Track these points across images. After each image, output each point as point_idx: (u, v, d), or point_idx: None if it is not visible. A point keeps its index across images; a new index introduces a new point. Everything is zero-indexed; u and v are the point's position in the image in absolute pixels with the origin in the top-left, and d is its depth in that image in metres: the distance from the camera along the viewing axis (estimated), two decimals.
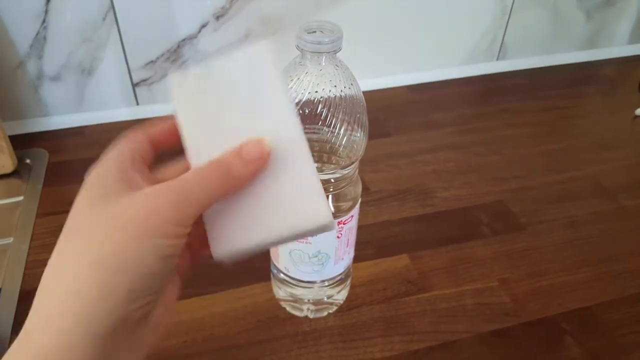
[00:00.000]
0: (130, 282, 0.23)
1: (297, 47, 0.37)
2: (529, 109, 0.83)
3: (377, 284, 0.55)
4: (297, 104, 0.39)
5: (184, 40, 0.75)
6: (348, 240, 0.47)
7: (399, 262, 0.57)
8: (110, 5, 0.69)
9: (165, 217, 0.24)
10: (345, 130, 0.40)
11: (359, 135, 0.41)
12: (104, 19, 0.70)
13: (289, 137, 0.28)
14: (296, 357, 0.48)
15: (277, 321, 0.51)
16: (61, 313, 0.23)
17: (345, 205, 0.44)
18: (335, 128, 0.39)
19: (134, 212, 0.24)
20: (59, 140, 0.74)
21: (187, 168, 0.28)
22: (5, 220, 0.62)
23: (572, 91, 0.89)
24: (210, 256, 0.28)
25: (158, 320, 0.27)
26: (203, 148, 0.28)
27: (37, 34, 0.69)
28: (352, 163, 0.43)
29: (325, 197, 0.27)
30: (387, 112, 0.81)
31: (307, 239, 0.44)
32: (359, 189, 0.46)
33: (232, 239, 0.27)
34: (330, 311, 0.52)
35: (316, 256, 0.45)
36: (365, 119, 0.41)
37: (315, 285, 0.49)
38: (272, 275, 0.52)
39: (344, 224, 0.44)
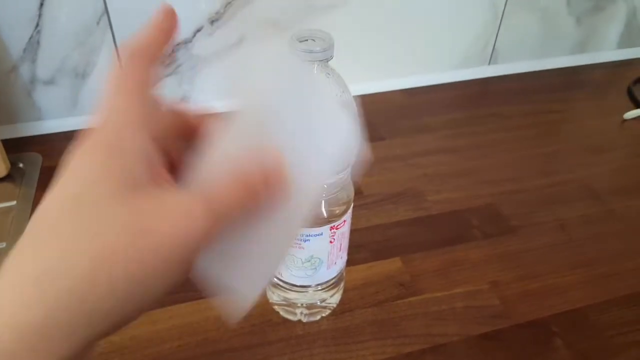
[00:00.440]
0: (140, 303, 0.20)
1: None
2: (520, 112, 0.84)
3: (369, 287, 0.55)
4: None
5: (178, 44, 0.75)
6: (341, 244, 0.47)
7: (392, 265, 0.58)
8: (104, 10, 0.69)
9: (198, 242, 0.21)
10: None
11: None
12: (97, 23, 0.70)
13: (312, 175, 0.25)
14: None
15: (270, 325, 0.51)
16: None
17: (338, 210, 0.45)
18: None
19: (167, 227, 0.20)
20: (52, 144, 0.74)
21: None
22: None
23: (562, 95, 0.90)
24: None
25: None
26: (228, 151, 0.25)
27: (30, 38, 0.69)
28: (346, 168, 0.43)
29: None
30: (381, 116, 0.82)
31: (299, 244, 0.44)
32: (352, 193, 0.46)
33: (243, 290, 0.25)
34: (324, 315, 0.52)
35: (309, 261, 0.46)
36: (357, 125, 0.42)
37: (309, 290, 0.49)
38: None
39: (336, 228, 0.45)
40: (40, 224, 0.21)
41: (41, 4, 0.67)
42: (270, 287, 0.52)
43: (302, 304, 0.51)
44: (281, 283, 0.49)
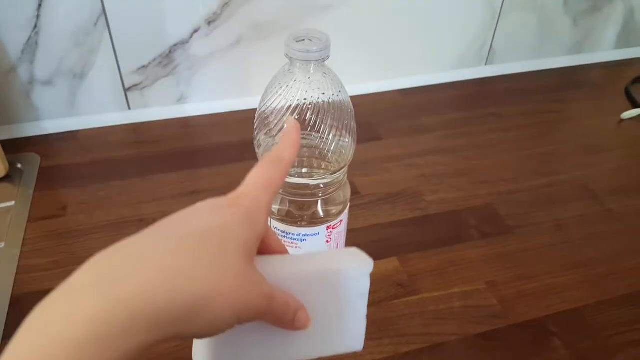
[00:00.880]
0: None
1: (286, 55, 0.38)
2: (517, 113, 0.84)
3: None
4: (286, 110, 0.40)
5: (175, 45, 0.75)
6: (338, 244, 0.47)
7: (389, 265, 0.58)
8: (101, 11, 0.70)
9: (256, 305, 0.27)
10: (334, 136, 0.41)
11: (347, 140, 0.42)
12: (95, 24, 0.70)
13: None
14: None
15: None
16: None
17: (334, 209, 0.45)
18: (324, 134, 0.40)
19: (253, 298, 0.26)
20: (50, 144, 0.74)
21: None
22: None
23: (559, 95, 0.90)
24: None
25: None
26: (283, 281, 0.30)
27: (28, 39, 0.69)
28: (341, 168, 0.43)
29: None
30: (378, 116, 0.82)
31: (296, 244, 0.44)
32: (348, 193, 0.46)
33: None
34: None
35: None
36: (353, 125, 0.42)
37: None
38: None
39: (333, 228, 0.45)
40: (177, 233, 0.26)
41: (39, 5, 0.67)
42: None
43: None
44: None
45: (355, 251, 0.33)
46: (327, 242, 0.45)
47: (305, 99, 0.39)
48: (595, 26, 0.96)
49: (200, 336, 0.27)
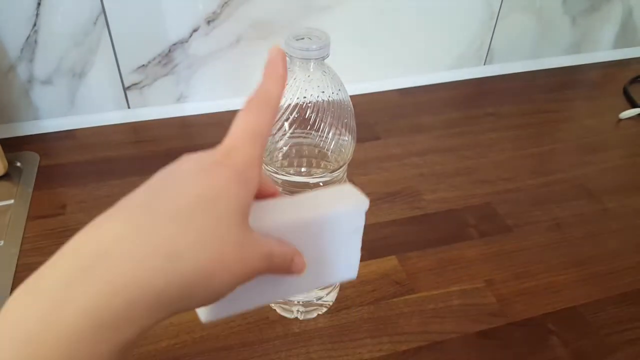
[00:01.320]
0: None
1: (286, 53, 0.38)
2: (516, 112, 0.85)
3: (366, 285, 0.55)
4: (285, 109, 0.40)
5: (175, 44, 0.75)
6: None
7: (388, 263, 0.58)
8: (101, 9, 0.70)
9: (254, 266, 0.26)
10: (334, 134, 0.41)
11: (347, 139, 0.42)
12: (94, 23, 0.71)
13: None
14: (286, 359, 0.48)
15: (267, 323, 0.51)
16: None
17: None
18: (324, 132, 0.40)
19: (248, 249, 0.26)
20: (50, 143, 0.74)
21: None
22: None
23: (558, 95, 0.90)
24: None
25: None
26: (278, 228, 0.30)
27: (27, 38, 0.69)
28: (341, 167, 0.43)
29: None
30: (377, 115, 0.82)
31: None
32: None
33: (225, 307, 0.29)
34: (320, 312, 0.52)
35: None
36: (353, 123, 0.42)
37: None
38: None
39: None
40: (165, 205, 0.24)
41: (38, 4, 0.67)
42: None
43: (298, 302, 0.51)
44: None
45: (349, 189, 0.33)
46: None
47: (304, 98, 0.39)
48: (593, 26, 0.96)
49: (203, 305, 0.27)
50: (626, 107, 0.86)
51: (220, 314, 0.29)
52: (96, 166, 0.70)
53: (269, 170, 0.43)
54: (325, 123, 0.40)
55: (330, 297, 0.53)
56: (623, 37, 1.00)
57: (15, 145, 0.72)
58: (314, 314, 0.52)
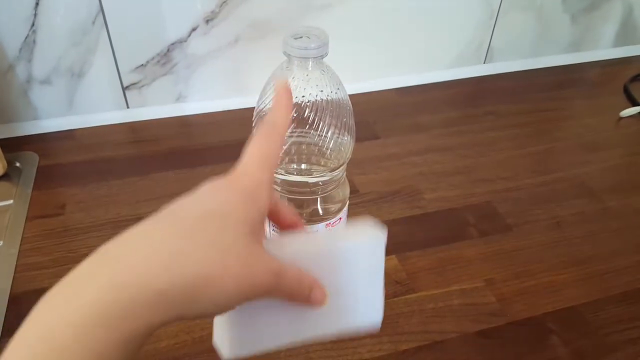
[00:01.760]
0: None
1: (284, 52, 0.38)
2: (515, 111, 0.84)
3: None
4: None
5: (173, 43, 0.75)
6: None
7: (388, 263, 0.57)
8: (99, 9, 0.69)
9: (262, 282, 0.27)
10: (333, 133, 0.41)
11: (346, 138, 0.42)
12: (93, 22, 0.70)
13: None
14: (285, 358, 0.48)
15: None
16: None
17: (333, 207, 0.45)
18: (323, 131, 0.40)
19: (258, 275, 0.26)
20: (49, 143, 0.74)
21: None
22: None
23: (558, 94, 0.90)
24: None
25: None
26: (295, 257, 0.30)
27: (26, 38, 0.69)
28: (340, 166, 0.43)
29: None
30: (376, 114, 0.82)
31: None
32: (347, 191, 0.46)
33: (246, 342, 0.29)
34: None
35: None
36: (352, 122, 0.42)
37: None
38: None
39: (332, 226, 0.45)
40: (177, 217, 0.26)
41: (37, 4, 0.67)
42: None
43: None
44: None
45: (368, 224, 0.33)
46: None
47: (303, 97, 0.39)
48: (593, 24, 0.96)
49: (205, 316, 0.27)
50: (627, 106, 0.85)
51: (242, 349, 0.29)
52: (95, 166, 0.70)
53: None
54: (324, 122, 0.40)
55: None
56: (623, 35, 1.00)
57: (14, 146, 0.72)
58: None
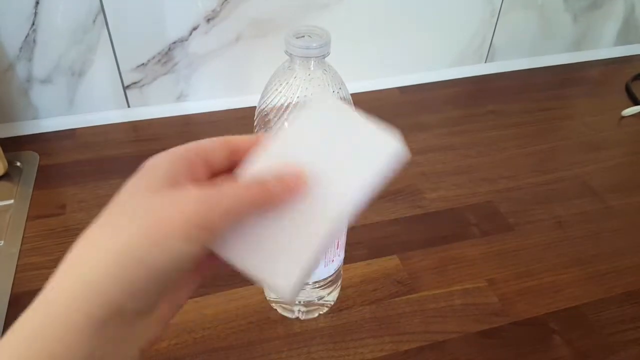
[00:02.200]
0: (135, 277, 0.24)
1: (286, 51, 0.38)
2: (517, 110, 0.84)
3: (367, 284, 0.55)
4: (285, 107, 0.39)
5: (174, 42, 0.75)
6: (338, 242, 0.47)
7: (389, 263, 0.58)
8: (100, 8, 0.69)
9: (189, 218, 0.25)
10: None
11: None
12: (94, 21, 0.70)
13: (339, 205, 0.28)
14: (287, 359, 0.48)
15: (268, 322, 0.51)
16: (64, 297, 0.24)
17: None
18: None
19: (163, 210, 0.25)
20: (49, 142, 0.74)
21: None
22: None
23: (559, 93, 0.90)
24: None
25: (163, 316, 0.27)
26: (264, 165, 0.29)
27: (26, 37, 0.69)
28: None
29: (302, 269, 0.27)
30: (377, 113, 0.80)
31: None
32: None
33: (284, 270, 0.27)
34: (321, 312, 0.52)
35: None
36: None
37: (306, 287, 0.49)
38: None
39: None
40: (116, 206, 0.27)
41: (37, 3, 0.67)
42: None
43: (299, 302, 0.51)
44: None
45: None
46: None
47: (305, 96, 0.39)
48: (595, 23, 0.96)
49: (177, 256, 0.25)
50: (628, 105, 0.85)
51: (289, 280, 0.27)
52: (96, 165, 0.70)
53: None
54: None
55: (332, 297, 0.53)
56: (625, 34, 1.00)
57: (14, 145, 0.72)
58: (316, 314, 0.52)
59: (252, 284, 0.54)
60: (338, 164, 0.29)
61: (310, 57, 0.38)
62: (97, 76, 0.75)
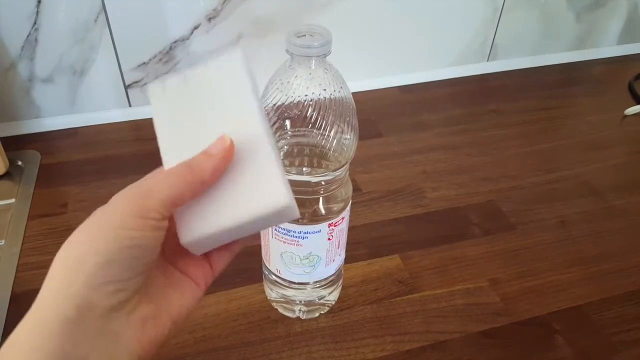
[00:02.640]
0: (93, 267, 0.26)
1: (287, 51, 0.38)
2: (519, 109, 0.84)
3: (368, 284, 0.55)
4: (286, 106, 0.39)
5: (176, 41, 0.75)
6: (339, 242, 0.47)
7: (391, 262, 0.57)
8: (101, 7, 0.69)
9: (123, 209, 0.28)
10: (336, 132, 0.40)
11: (349, 137, 0.41)
12: (95, 20, 0.70)
13: (254, 134, 0.29)
14: (288, 358, 0.48)
15: (269, 322, 0.51)
16: (42, 297, 0.26)
17: (336, 207, 0.45)
18: (326, 131, 0.40)
19: (107, 208, 0.29)
20: (51, 141, 0.74)
21: None
22: None
23: (562, 91, 0.90)
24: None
25: (143, 316, 0.28)
26: (175, 152, 0.30)
27: (28, 36, 0.69)
28: (343, 165, 0.43)
29: (286, 182, 0.28)
30: (379, 113, 0.81)
31: (298, 242, 0.44)
32: (350, 190, 0.46)
33: (197, 225, 0.29)
34: (322, 312, 0.52)
35: (307, 258, 0.45)
36: (355, 121, 0.42)
37: (307, 287, 0.49)
38: (263, 277, 0.53)
39: (334, 225, 0.44)
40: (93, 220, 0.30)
41: (39, 2, 0.67)
42: (268, 284, 0.52)
43: (300, 301, 0.51)
44: (279, 280, 0.49)
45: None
46: (329, 239, 0.45)
47: (306, 95, 0.39)
48: (598, 21, 0.96)
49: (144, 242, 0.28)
50: (631, 104, 0.85)
51: (200, 233, 0.29)
52: (98, 164, 0.70)
53: None
54: (327, 121, 0.39)
55: (333, 297, 0.53)
56: (628, 33, 0.99)
57: (16, 144, 0.72)
58: (316, 314, 0.52)
59: (252, 284, 0.54)
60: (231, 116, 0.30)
61: (311, 56, 0.37)
62: (98, 75, 0.75)
